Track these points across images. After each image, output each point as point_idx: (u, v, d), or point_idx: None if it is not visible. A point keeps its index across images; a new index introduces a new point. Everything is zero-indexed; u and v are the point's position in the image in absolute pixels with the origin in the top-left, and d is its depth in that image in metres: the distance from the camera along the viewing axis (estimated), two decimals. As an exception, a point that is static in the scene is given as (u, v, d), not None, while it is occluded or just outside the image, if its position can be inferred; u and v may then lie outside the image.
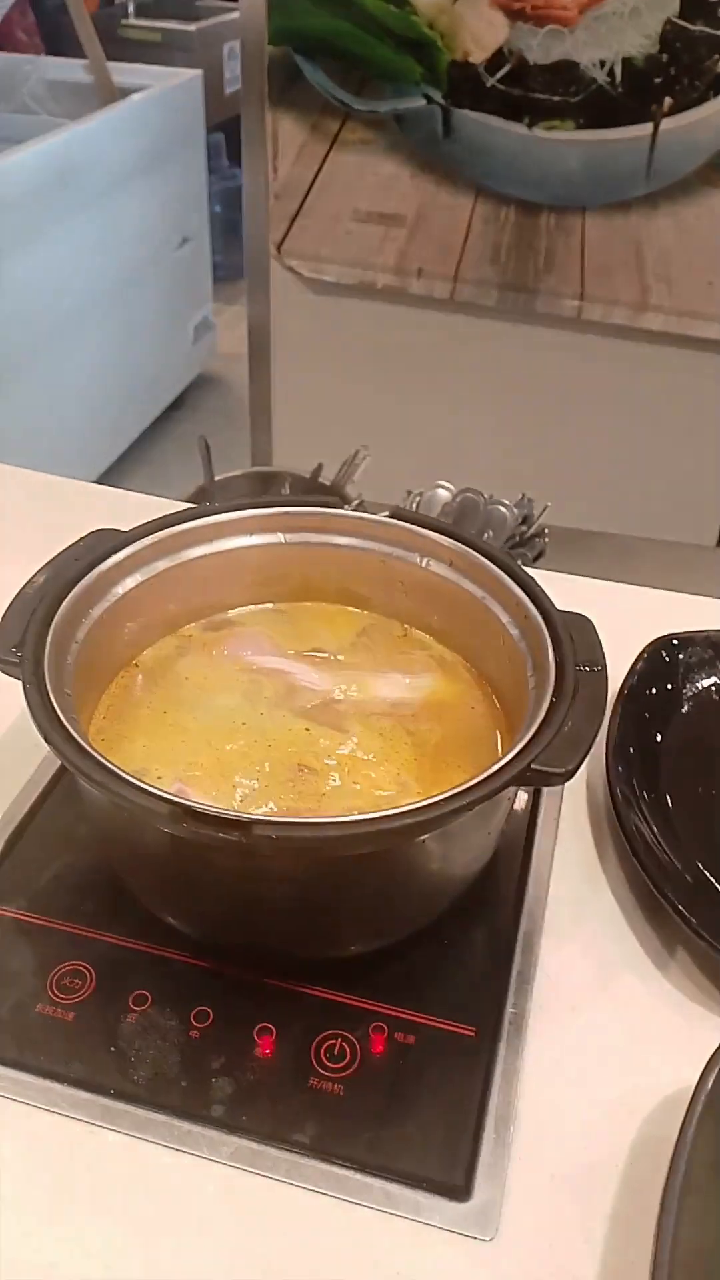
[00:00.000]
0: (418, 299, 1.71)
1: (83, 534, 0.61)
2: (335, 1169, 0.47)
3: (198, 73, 2.60)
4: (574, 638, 0.55)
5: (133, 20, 3.10)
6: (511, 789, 0.51)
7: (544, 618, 0.56)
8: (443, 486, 1.02)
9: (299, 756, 0.58)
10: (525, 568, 0.61)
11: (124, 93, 2.40)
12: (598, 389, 1.72)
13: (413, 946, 0.55)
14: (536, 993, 0.54)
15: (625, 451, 1.76)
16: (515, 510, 1.05)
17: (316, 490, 1.15)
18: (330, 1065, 0.51)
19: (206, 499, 1.09)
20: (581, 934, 0.58)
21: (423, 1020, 0.53)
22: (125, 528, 0.61)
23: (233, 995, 0.53)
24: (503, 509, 1.02)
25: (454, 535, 0.62)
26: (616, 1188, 0.47)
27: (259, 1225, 0.45)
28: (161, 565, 0.61)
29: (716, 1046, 0.45)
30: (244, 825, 0.44)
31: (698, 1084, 0.44)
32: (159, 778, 0.56)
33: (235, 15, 1.61)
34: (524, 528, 1.06)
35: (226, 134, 3.07)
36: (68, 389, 2.26)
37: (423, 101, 1.56)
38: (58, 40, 2.70)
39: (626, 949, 0.57)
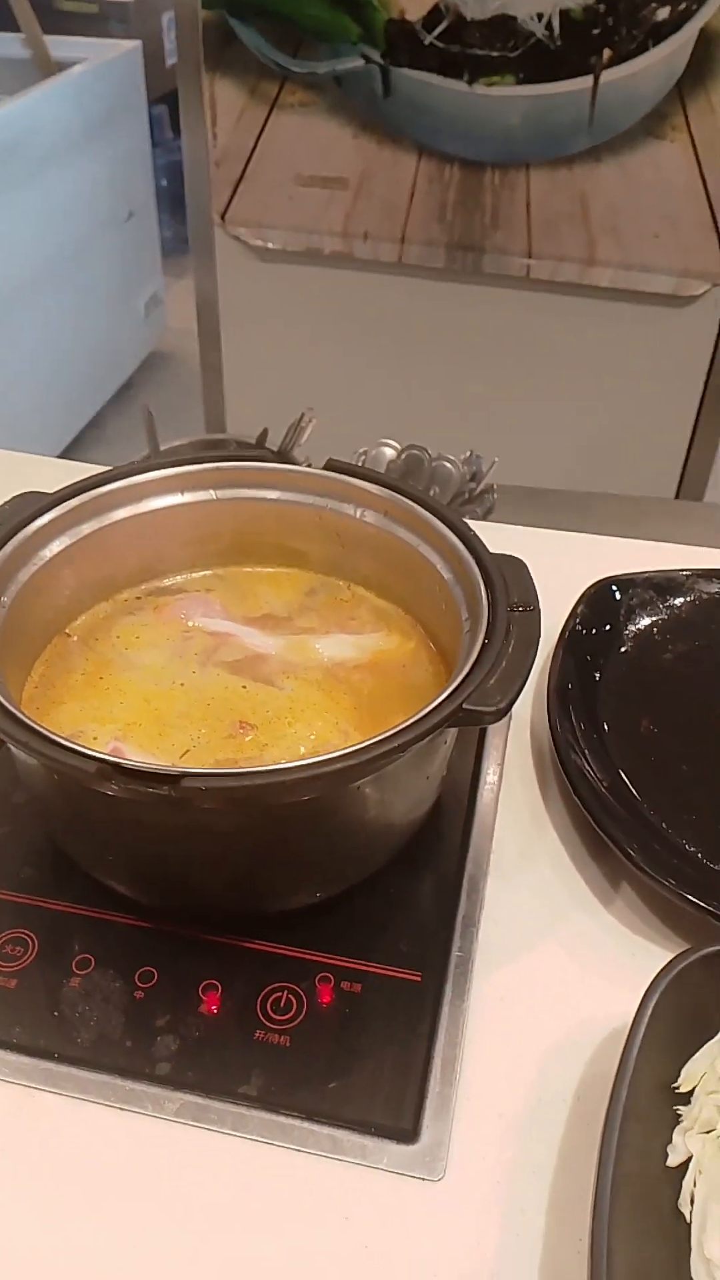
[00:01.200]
0: (365, 262, 1.69)
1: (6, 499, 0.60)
2: (281, 1119, 0.47)
3: (136, 44, 2.55)
4: (507, 579, 0.55)
5: (68, -8, 3.04)
6: (447, 730, 0.51)
7: (476, 560, 0.56)
8: (387, 444, 1.01)
9: (238, 713, 0.58)
10: (473, 522, 0.60)
11: (62, 66, 2.36)
12: (549, 346, 1.71)
13: (358, 896, 0.55)
14: (483, 935, 0.54)
15: (579, 408, 1.75)
16: (463, 466, 1.04)
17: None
18: (277, 1017, 0.50)
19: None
20: (527, 874, 0.58)
21: (369, 968, 0.52)
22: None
23: (177, 954, 0.53)
24: (449, 465, 1.01)
25: (385, 484, 0.62)
26: (566, 1122, 0.47)
27: (205, 1179, 0.45)
28: (89, 527, 0.60)
29: (655, 975, 0.45)
30: (173, 779, 0.43)
31: (637, 1012, 0.44)
32: (94, 739, 0.55)
33: (171, -16, 1.57)
34: (473, 484, 1.05)
35: (169, 106, 3.02)
36: (18, 368, 2.22)
37: (361, 61, 1.54)
38: (-9, 15, 2.64)
39: (572, 887, 0.57)
